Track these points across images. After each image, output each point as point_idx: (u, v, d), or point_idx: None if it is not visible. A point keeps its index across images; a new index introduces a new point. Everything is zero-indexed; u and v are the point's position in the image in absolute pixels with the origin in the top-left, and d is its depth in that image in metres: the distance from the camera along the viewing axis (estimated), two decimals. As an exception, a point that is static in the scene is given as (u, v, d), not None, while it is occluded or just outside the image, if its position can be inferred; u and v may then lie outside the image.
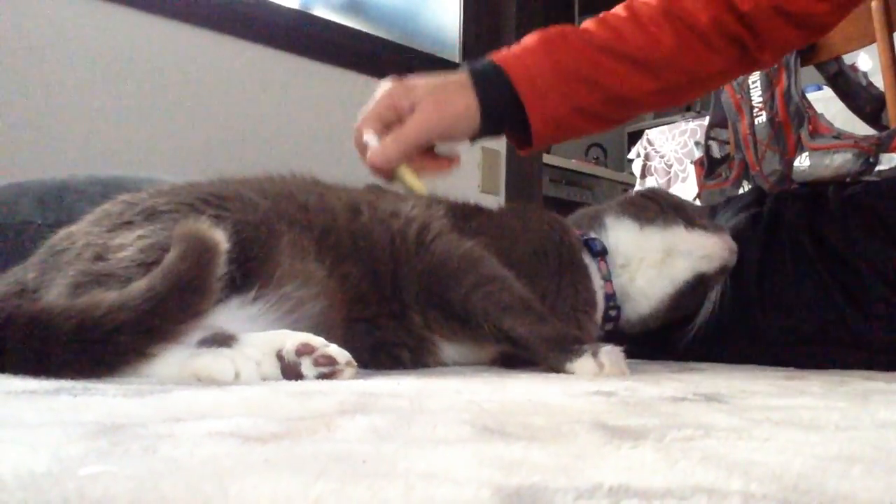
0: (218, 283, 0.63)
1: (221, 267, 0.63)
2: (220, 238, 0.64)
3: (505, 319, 0.83)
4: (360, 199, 0.89)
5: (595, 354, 0.79)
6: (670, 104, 1.14)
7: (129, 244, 0.69)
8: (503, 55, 0.99)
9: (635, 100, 1.05)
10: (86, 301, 0.60)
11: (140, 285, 0.59)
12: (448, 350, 0.89)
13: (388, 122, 0.94)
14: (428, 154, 0.98)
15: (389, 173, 0.95)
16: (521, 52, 1.00)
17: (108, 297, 0.59)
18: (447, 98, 0.95)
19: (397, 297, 0.85)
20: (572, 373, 0.78)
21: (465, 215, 0.97)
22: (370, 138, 0.93)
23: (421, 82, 0.96)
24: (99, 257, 0.68)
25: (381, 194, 0.94)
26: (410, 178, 0.94)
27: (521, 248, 0.95)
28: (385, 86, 0.96)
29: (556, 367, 0.80)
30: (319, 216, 0.83)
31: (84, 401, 0.45)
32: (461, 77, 0.97)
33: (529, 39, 1.01)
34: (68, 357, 0.57)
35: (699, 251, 1.04)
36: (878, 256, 1.15)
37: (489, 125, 0.98)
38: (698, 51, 1.02)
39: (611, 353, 0.79)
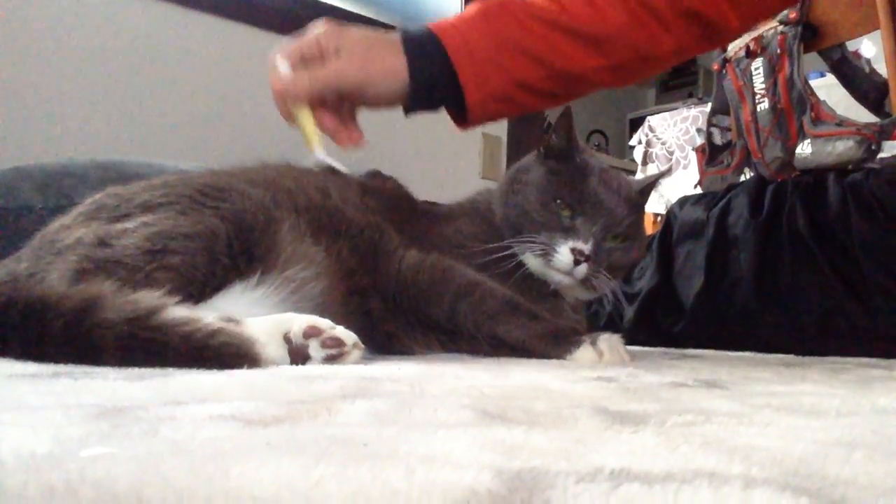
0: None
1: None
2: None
3: (498, 327, 0.83)
4: (325, 182, 0.90)
5: (594, 343, 0.79)
6: (623, 83, 1.07)
7: (133, 230, 0.68)
8: (440, 23, 0.94)
9: (583, 76, 0.98)
10: (80, 295, 0.59)
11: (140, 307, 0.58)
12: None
13: (309, 59, 0.88)
14: (344, 114, 0.92)
15: (289, 112, 0.89)
16: (458, 21, 0.94)
17: (107, 297, 0.58)
18: (375, 53, 0.89)
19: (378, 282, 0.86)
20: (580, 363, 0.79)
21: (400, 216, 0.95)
22: (282, 65, 0.88)
23: (354, 30, 0.90)
24: (103, 243, 0.67)
25: (333, 180, 0.92)
26: (308, 126, 0.88)
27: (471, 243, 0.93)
28: (318, 24, 0.90)
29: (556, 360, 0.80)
30: (301, 198, 0.84)
31: (85, 384, 0.45)
32: (392, 37, 0.91)
33: (469, 9, 0.96)
34: (64, 344, 0.57)
35: None
36: (877, 246, 1.15)
37: (420, 95, 0.92)
38: (651, 29, 0.97)
39: (610, 341, 0.79)
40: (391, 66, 0.89)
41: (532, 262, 0.91)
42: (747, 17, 1.04)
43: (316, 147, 0.89)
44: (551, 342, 0.81)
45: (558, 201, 0.92)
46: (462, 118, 0.98)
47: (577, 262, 0.88)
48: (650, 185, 1.05)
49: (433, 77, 0.91)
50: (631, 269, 1.09)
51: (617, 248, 0.94)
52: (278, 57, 0.88)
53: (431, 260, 0.86)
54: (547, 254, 0.89)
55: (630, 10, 0.95)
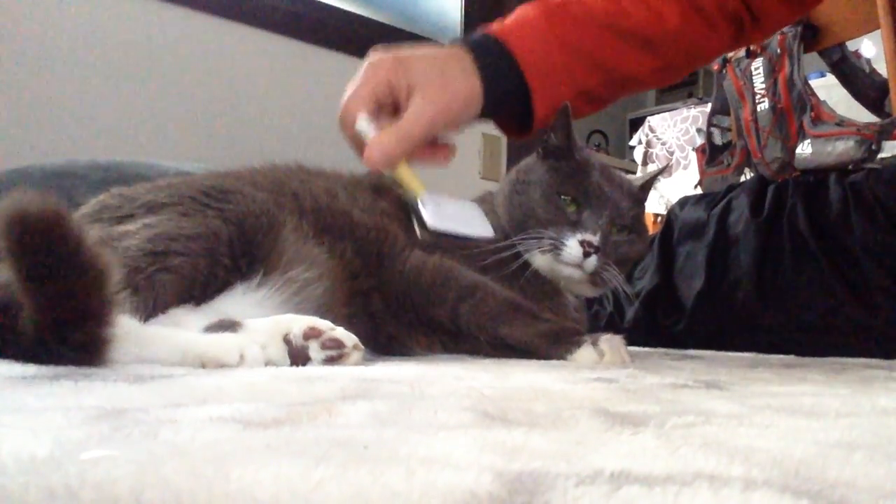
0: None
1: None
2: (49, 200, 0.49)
3: (500, 328, 0.83)
4: (334, 184, 0.90)
5: (595, 343, 0.79)
6: (662, 84, 1.07)
7: (135, 232, 0.68)
8: (503, 29, 0.89)
9: (635, 80, 0.98)
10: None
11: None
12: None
13: (383, 103, 0.81)
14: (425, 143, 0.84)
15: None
16: (522, 25, 0.89)
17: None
18: (450, 81, 0.82)
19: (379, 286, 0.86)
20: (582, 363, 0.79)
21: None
22: (366, 126, 0.78)
23: (416, 58, 0.82)
24: (104, 244, 0.67)
25: (346, 184, 0.92)
26: (408, 177, 0.80)
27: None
28: (375, 59, 0.82)
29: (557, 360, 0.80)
30: (307, 200, 0.84)
31: (85, 386, 0.45)
32: (460, 54, 0.85)
33: (528, 11, 0.91)
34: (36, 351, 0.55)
35: None
36: (877, 245, 1.15)
37: (488, 112, 0.88)
38: (701, 30, 0.97)
39: (611, 341, 0.79)
40: (469, 93, 0.84)
41: (539, 259, 0.92)
42: (769, 30, 1.09)
43: (420, 193, 0.80)
44: (552, 342, 0.81)
45: (563, 196, 0.93)
46: (520, 129, 0.95)
47: (586, 255, 0.89)
48: (650, 181, 1.06)
49: (506, 94, 0.87)
50: (635, 263, 1.09)
51: (623, 240, 0.95)
52: (360, 117, 0.79)
53: (434, 261, 0.86)
54: (556, 248, 0.90)
55: (683, 11, 0.95)
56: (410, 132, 0.78)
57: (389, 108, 0.81)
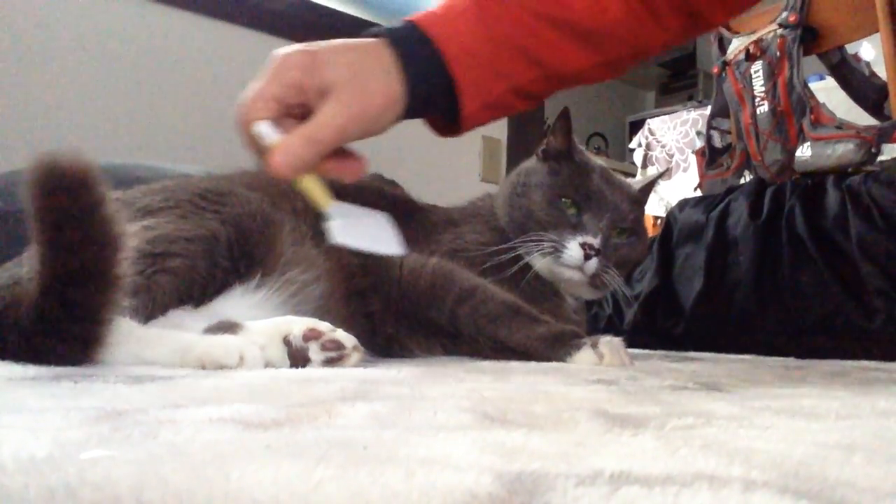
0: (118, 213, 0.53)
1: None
2: (94, 168, 0.49)
3: (499, 330, 0.83)
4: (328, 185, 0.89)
5: (594, 346, 0.79)
6: (604, 79, 0.97)
7: (134, 234, 0.68)
8: (430, 19, 0.80)
9: (577, 75, 0.89)
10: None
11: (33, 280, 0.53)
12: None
13: (290, 105, 0.70)
14: (335, 152, 0.72)
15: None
16: (450, 15, 0.81)
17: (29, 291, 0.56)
18: (367, 83, 0.73)
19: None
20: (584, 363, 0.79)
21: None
22: (266, 131, 0.67)
23: (331, 55, 0.72)
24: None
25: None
26: (315, 188, 0.69)
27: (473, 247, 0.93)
28: (285, 54, 0.71)
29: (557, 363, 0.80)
30: (301, 201, 0.83)
31: (85, 387, 0.45)
32: (380, 50, 0.76)
33: (460, 2, 0.82)
34: (34, 349, 0.56)
35: None
36: (875, 248, 1.15)
37: (412, 113, 0.79)
38: (646, 22, 0.89)
39: (611, 344, 0.79)
40: (389, 96, 0.74)
41: (540, 262, 0.92)
42: (733, 10, 1.02)
43: (327, 205, 0.71)
44: (552, 345, 0.81)
45: (563, 199, 0.93)
46: (447, 128, 0.86)
47: (587, 257, 0.90)
48: (650, 184, 1.07)
49: (430, 93, 0.79)
50: (635, 265, 1.09)
51: (623, 242, 0.96)
52: (260, 125, 0.68)
53: (432, 264, 0.87)
54: (556, 251, 0.90)
55: (626, 1, 0.87)
56: (320, 137, 0.68)
57: (296, 110, 0.71)
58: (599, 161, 1.04)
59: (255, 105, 0.69)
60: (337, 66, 0.71)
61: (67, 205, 0.47)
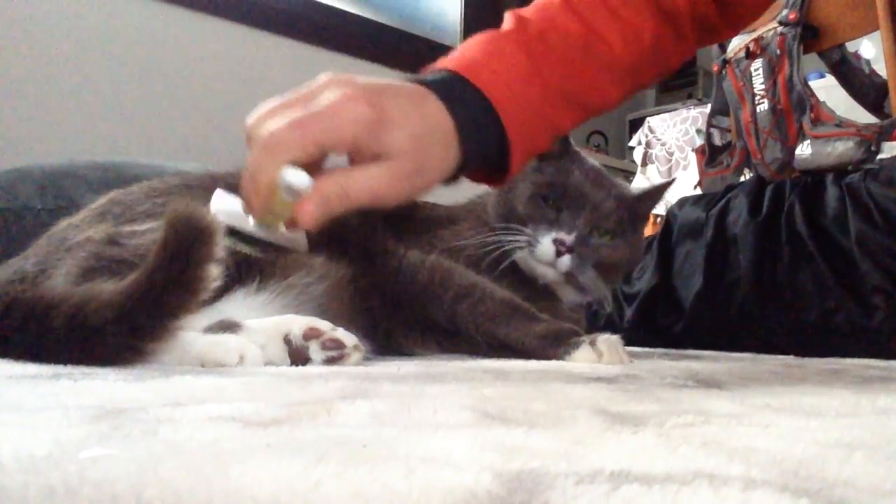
0: (216, 271, 0.56)
1: (220, 255, 0.55)
2: (215, 221, 0.55)
3: (498, 328, 0.83)
4: None
5: (593, 344, 0.79)
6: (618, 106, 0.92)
7: (142, 233, 0.69)
8: (487, 78, 0.72)
9: (603, 108, 0.85)
10: (82, 292, 0.59)
11: (127, 280, 0.57)
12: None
13: (329, 152, 0.61)
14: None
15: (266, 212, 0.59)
16: (504, 69, 0.73)
17: (105, 290, 0.57)
18: (428, 157, 0.65)
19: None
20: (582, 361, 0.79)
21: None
22: (300, 179, 0.57)
23: (400, 120, 0.62)
24: (113, 242, 0.68)
25: None
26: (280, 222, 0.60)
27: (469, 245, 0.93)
28: (348, 99, 0.60)
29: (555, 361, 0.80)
30: None
31: (85, 385, 0.45)
32: (442, 118, 0.67)
33: (503, 44, 0.75)
34: (62, 347, 0.57)
35: None
36: (874, 245, 1.15)
37: (460, 174, 0.73)
38: (671, 42, 0.85)
39: (609, 341, 0.80)
40: (444, 165, 0.67)
41: (518, 255, 0.92)
42: (741, 23, 1.01)
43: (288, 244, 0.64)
44: (550, 343, 0.81)
45: (543, 196, 0.93)
46: (486, 179, 0.80)
47: (559, 253, 0.89)
48: (650, 192, 1.04)
49: (486, 153, 0.73)
50: (623, 270, 1.06)
51: (604, 243, 0.94)
52: (293, 173, 0.57)
53: (431, 261, 0.87)
54: (530, 245, 0.90)
55: (657, 25, 0.83)
56: (357, 197, 0.60)
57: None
58: (593, 161, 1.03)
59: (294, 144, 0.58)
60: (402, 133, 0.63)
61: (185, 246, 0.55)
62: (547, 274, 0.91)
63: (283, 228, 0.60)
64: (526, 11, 0.79)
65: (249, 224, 0.59)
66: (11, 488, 0.22)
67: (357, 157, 0.61)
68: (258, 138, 0.59)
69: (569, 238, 0.89)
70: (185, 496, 0.22)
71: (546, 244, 0.89)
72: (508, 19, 0.77)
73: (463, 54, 0.74)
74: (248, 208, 0.58)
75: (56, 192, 1.15)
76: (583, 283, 0.92)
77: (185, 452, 0.27)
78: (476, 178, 0.80)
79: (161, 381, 0.48)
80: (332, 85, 0.61)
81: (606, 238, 0.94)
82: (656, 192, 1.05)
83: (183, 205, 0.56)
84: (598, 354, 0.78)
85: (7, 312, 0.59)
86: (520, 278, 0.92)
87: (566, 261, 0.89)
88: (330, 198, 0.59)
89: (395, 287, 0.85)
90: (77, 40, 1.68)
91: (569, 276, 0.91)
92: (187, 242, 0.54)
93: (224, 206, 0.60)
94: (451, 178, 0.71)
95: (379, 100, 0.62)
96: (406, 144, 0.62)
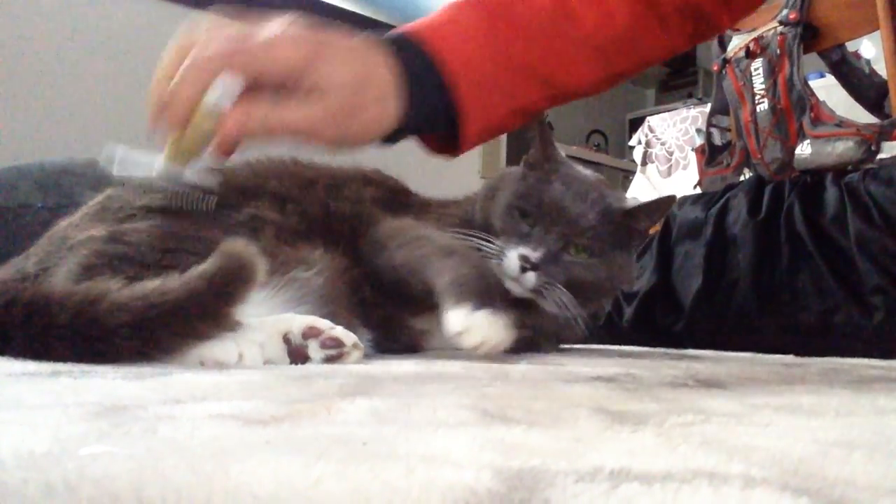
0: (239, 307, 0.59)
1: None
2: (260, 265, 0.59)
3: (427, 270, 0.75)
4: (316, 174, 0.89)
5: (479, 309, 0.70)
6: (603, 91, 0.91)
7: (144, 230, 0.69)
8: (436, 32, 0.73)
9: (578, 92, 0.84)
10: (87, 289, 0.58)
11: (147, 288, 0.57)
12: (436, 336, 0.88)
13: (263, 80, 0.63)
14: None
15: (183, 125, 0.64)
16: (458, 31, 0.74)
17: (111, 288, 0.57)
18: (363, 99, 0.66)
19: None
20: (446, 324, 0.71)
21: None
22: (231, 90, 0.60)
23: (340, 60, 0.64)
24: (114, 239, 0.68)
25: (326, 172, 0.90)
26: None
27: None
28: (290, 37, 0.63)
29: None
30: (294, 193, 0.84)
31: (84, 383, 0.45)
32: (388, 74, 0.68)
33: (464, 11, 0.76)
34: (66, 344, 0.56)
35: None
36: (874, 246, 1.15)
37: (403, 134, 0.73)
38: (652, 29, 0.84)
39: (490, 319, 0.70)
40: (380, 115, 0.68)
41: (492, 262, 0.86)
42: (738, 13, 0.99)
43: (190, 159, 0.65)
44: (461, 296, 0.72)
45: (518, 206, 0.88)
46: (441, 149, 0.80)
47: (523, 269, 0.83)
48: (647, 207, 0.94)
49: (430, 114, 0.73)
50: (604, 291, 0.95)
51: (579, 262, 0.86)
52: (227, 83, 0.60)
53: (398, 221, 0.85)
54: (498, 257, 0.85)
55: (632, 7, 0.83)
56: (288, 125, 0.61)
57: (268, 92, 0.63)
58: (584, 171, 0.98)
59: (225, 62, 0.60)
60: (335, 71, 0.64)
61: (227, 282, 0.58)
62: (513, 289, 0.85)
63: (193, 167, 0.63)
64: None
65: (153, 171, 0.63)
66: (11, 485, 0.22)
67: (288, 95, 0.62)
68: (190, 51, 0.63)
69: (534, 255, 0.83)
70: (184, 494, 0.22)
71: (512, 259, 0.84)
72: None
73: (422, 20, 0.76)
74: (169, 126, 0.62)
75: (55, 191, 1.15)
76: (555, 302, 0.85)
77: (185, 450, 0.27)
78: (430, 147, 0.82)
79: (161, 378, 0.48)
80: (281, 21, 0.65)
81: (583, 256, 0.87)
82: (656, 208, 0.95)
83: (241, 245, 0.59)
84: (473, 327, 0.70)
85: (8, 310, 0.58)
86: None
87: (531, 278, 0.83)
88: (254, 117, 0.60)
89: (372, 260, 0.82)
90: (77, 40, 1.68)
91: (536, 293, 0.85)
92: (230, 281, 0.57)
93: (128, 157, 0.64)
94: (392, 139, 0.72)
95: (320, 39, 0.64)
96: (338, 81, 0.63)
